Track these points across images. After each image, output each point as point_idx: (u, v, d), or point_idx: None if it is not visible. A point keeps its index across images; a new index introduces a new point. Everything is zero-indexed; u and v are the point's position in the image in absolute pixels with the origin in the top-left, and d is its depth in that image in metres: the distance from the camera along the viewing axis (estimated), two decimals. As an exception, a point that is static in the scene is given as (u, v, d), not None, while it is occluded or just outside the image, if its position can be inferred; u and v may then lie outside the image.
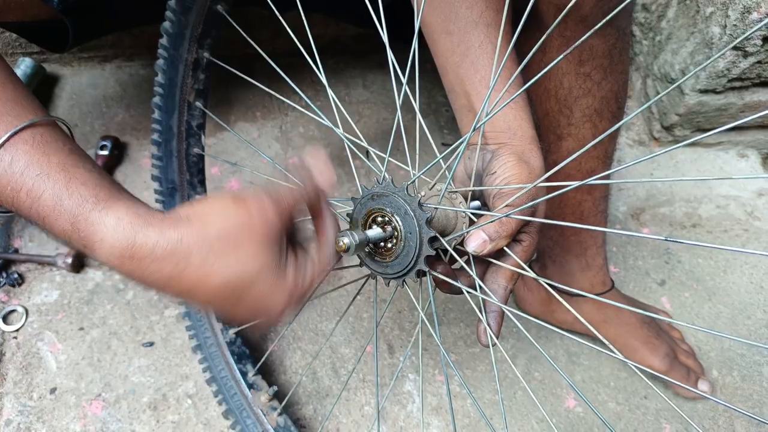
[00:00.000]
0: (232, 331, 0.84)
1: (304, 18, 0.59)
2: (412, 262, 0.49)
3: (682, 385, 0.45)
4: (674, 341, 0.95)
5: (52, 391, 0.85)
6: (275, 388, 0.81)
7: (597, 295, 0.92)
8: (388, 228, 0.49)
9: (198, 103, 0.73)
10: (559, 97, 0.74)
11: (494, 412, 0.89)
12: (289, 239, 0.46)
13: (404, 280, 0.51)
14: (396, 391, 0.89)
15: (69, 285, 0.94)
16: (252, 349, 0.85)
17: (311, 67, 0.57)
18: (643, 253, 1.08)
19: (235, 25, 0.70)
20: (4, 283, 0.93)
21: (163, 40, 0.69)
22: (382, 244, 0.51)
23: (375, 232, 0.49)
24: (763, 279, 1.06)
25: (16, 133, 0.43)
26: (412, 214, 0.48)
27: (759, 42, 0.95)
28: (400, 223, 0.49)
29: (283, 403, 0.80)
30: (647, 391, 0.92)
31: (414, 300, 0.57)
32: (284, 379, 0.89)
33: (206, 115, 0.75)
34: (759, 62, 0.99)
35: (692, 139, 0.32)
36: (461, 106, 0.59)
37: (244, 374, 0.82)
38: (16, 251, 0.96)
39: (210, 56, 0.72)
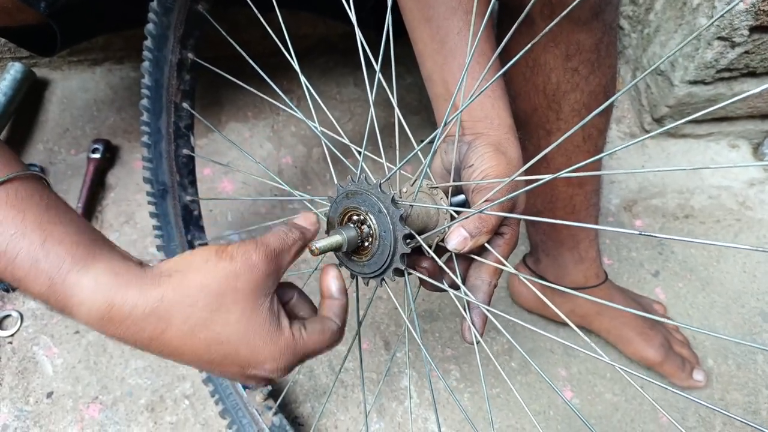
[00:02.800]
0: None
1: (279, 14, 0.58)
2: (388, 261, 0.48)
3: (673, 390, 0.45)
4: (669, 332, 0.96)
5: (49, 395, 0.84)
6: (270, 387, 0.81)
7: (591, 287, 0.92)
8: (365, 228, 0.48)
9: (185, 104, 0.73)
10: (548, 93, 0.74)
11: (492, 405, 0.89)
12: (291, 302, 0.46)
13: (383, 279, 0.50)
14: (393, 387, 0.89)
15: (63, 289, 0.93)
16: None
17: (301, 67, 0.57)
18: (636, 244, 1.09)
19: (215, 24, 0.70)
20: (-1, 289, 0.93)
21: (147, 42, 0.68)
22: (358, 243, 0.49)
23: (345, 234, 0.47)
24: (756, 268, 1.07)
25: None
26: (386, 211, 0.46)
27: (746, 32, 0.95)
28: (374, 221, 0.47)
29: (278, 402, 0.80)
30: (643, 381, 0.93)
31: (397, 305, 0.55)
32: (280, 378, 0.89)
33: (194, 116, 0.75)
34: (746, 52, 0.99)
35: (679, 122, 0.32)
36: (437, 94, 0.58)
37: None
38: (10, 256, 0.96)
39: (194, 57, 0.72)
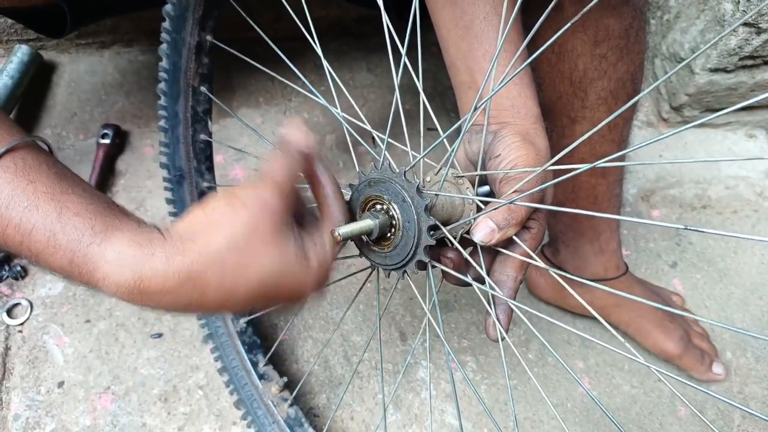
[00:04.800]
0: (242, 321, 0.83)
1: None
2: (411, 253, 0.46)
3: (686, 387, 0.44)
4: (688, 324, 0.95)
5: (60, 384, 0.83)
6: (285, 379, 0.80)
7: (611, 279, 0.90)
8: (383, 216, 0.46)
9: (203, 88, 0.71)
10: (574, 80, 0.72)
11: (508, 398, 0.88)
12: (297, 217, 0.44)
13: (405, 271, 0.48)
14: (409, 378, 0.88)
15: (73, 277, 0.92)
16: (263, 338, 0.84)
17: (313, 51, 0.55)
18: (654, 235, 1.07)
19: (235, 5, 0.68)
20: (7, 276, 0.91)
21: (166, 24, 0.66)
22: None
23: (376, 219, 0.46)
24: (775, 259, 1.05)
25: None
26: (410, 201, 0.44)
27: (772, 18, 0.93)
28: (397, 211, 0.46)
29: (294, 394, 0.79)
30: (662, 375, 0.92)
31: (418, 296, 0.54)
32: (296, 369, 0.87)
33: (212, 100, 0.73)
34: (772, 39, 0.97)
35: (701, 120, 0.30)
36: (461, 82, 0.56)
37: (254, 364, 0.81)
38: (18, 243, 0.94)
39: (213, 39, 0.70)
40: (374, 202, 0.47)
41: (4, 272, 0.91)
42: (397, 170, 0.46)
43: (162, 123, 0.70)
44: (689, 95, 1.11)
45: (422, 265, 0.48)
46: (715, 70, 1.05)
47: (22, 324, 0.87)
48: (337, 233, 0.43)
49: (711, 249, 1.07)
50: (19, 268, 0.91)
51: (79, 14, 0.79)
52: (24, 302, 0.89)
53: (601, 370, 0.92)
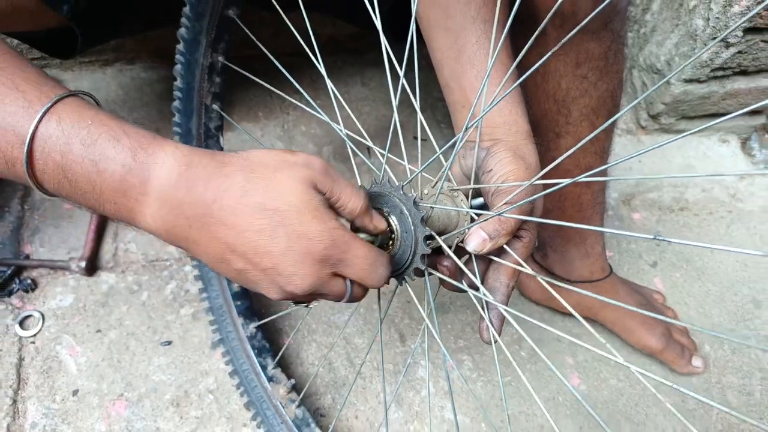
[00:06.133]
0: (252, 326, 0.86)
1: (305, 16, 0.60)
2: (409, 261, 0.50)
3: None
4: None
5: (75, 393, 0.86)
6: (293, 381, 0.84)
7: (597, 281, 0.96)
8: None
9: (215, 106, 0.75)
10: (558, 98, 0.78)
11: (504, 392, 0.93)
12: None
13: (404, 278, 0.51)
14: (410, 377, 0.92)
15: (83, 288, 0.95)
16: (271, 342, 0.88)
17: (311, 65, 0.59)
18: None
19: (245, 28, 0.72)
20: (18, 289, 0.94)
21: (180, 46, 0.71)
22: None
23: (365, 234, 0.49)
24: (747, 258, 1.12)
25: (62, 98, 0.42)
26: (408, 213, 0.48)
27: (740, 33, 1.00)
28: (395, 222, 0.49)
29: (301, 395, 0.83)
30: (646, 368, 0.98)
31: (417, 302, 0.57)
32: (301, 371, 0.91)
33: (223, 117, 0.77)
34: (740, 52, 1.04)
35: (687, 133, 0.35)
36: (455, 101, 0.60)
37: (264, 367, 0.85)
38: (27, 257, 0.97)
39: (225, 60, 0.74)
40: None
41: (14, 285, 0.94)
42: (396, 184, 0.50)
43: (176, 139, 0.74)
44: (666, 104, 1.17)
45: (419, 273, 0.52)
46: (690, 81, 1.12)
47: (34, 335, 0.90)
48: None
49: (689, 249, 1.13)
50: (29, 281, 0.94)
51: (90, 36, 0.82)
52: (36, 314, 0.92)
53: (590, 365, 0.98)
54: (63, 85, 0.45)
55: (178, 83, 0.70)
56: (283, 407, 0.83)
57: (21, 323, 0.91)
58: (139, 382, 0.87)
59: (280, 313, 0.91)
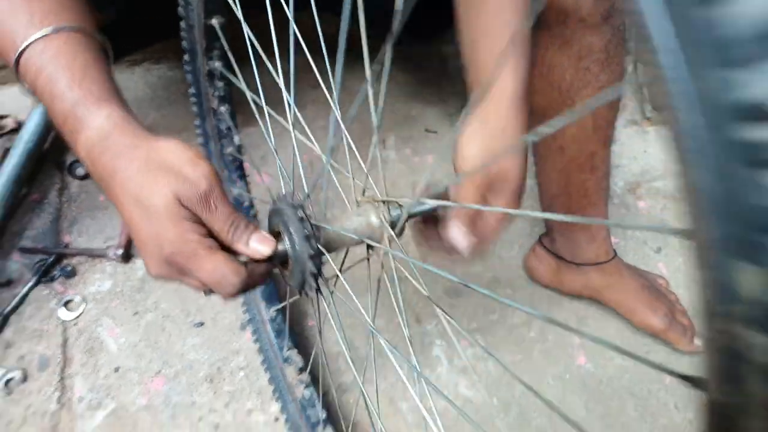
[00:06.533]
0: (272, 310, 0.93)
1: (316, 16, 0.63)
2: (302, 277, 0.50)
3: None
4: (672, 303, 1.06)
5: (116, 370, 0.93)
6: (303, 363, 0.89)
7: (602, 263, 1.01)
8: (280, 246, 0.49)
9: (222, 109, 0.80)
10: (562, 89, 0.83)
11: (514, 369, 0.98)
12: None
13: (306, 293, 0.52)
14: (426, 356, 0.99)
15: (120, 275, 1.02)
16: (293, 323, 0.94)
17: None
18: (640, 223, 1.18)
19: (221, 37, 0.74)
20: (59, 275, 1.01)
21: (185, 56, 0.76)
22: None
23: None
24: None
25: (59, 30, 0.51)
26: (295, 232, 0.48)
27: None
28: (287, 241, 0.49)
29: (308, 376, 0.88)
30: (648, 347, 1.03)
31: (431, 300, 0.62)
32: (325, 349, 0.98)
33: (234, 117, 0.82)
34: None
35: None
36: (473, 81, 0.63)
37: (281, 348, 0.91)
38: (67, 246, 1.04)
39: (221, 66, 0.78)
40: (278, 231, 0.51)
41: (56, 272, 1.01)
42: (294, 201, 0.49)
43: (199, 140, 0.80)
44: (669, 96, 1.22)
45: (316, 290, 0.51)
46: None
47: (77, 318, 0.97)
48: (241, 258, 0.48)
49: (691, 235, 1.18)
50: (69, 268, 1.01)
51: (122, 47, 0.87)
52: (77, 298, 0.99)
53: (596, 345, 1.03)
54: (78, 15, 0.53)
55: (191, 90, 0.76)
56: (294, 387, 0.89)
57: (64, 306, 0.98)
58: (175, 360, 0.94)
59: (293, 299, 0.98)
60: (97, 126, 0.49)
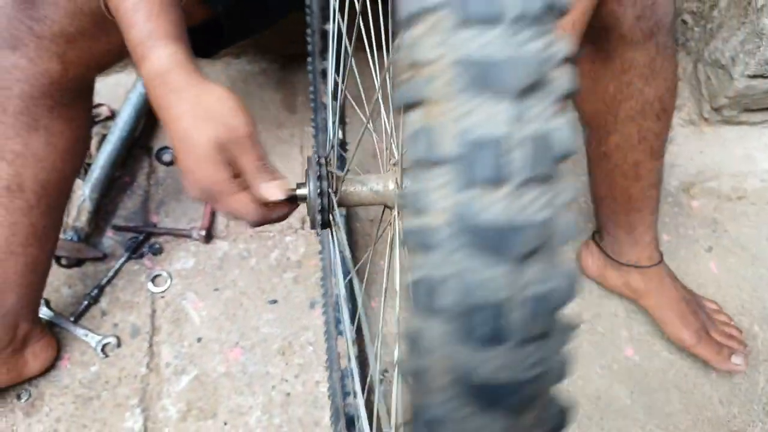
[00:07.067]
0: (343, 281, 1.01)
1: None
2: (313, 216, 0.62)
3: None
4: (710, 319, 1.03)
5: (199, 340, 1.03)
6: (354, 337, 0.96)
7: (644, 267, 1.03)
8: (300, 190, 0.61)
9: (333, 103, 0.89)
10: (606, 100, 0.87)
11: (563, 360, 1.04)
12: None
13: (317, 229, 0.64)
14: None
15: (202, 254, 1.12)
16: (355, 302, 1.02)
17: None
18: (693, 223, 1.21)
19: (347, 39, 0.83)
20: (148, 252, 1.12)
21: (309, 58, 0.84)
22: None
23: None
24: (803, 246, 1.18)
25: None
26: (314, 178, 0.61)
27: (806, 33, 1.05)
28: (308, 185, 0.61)
29: (354, 350, 0.96)
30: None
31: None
32: (385, 330, 1.06)
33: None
34: (805, 50, 1.09)
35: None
36: None
37: (338, 322, 0.98)
38: (155, 226, 1.14)
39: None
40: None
41: (145, 249, 1.12)
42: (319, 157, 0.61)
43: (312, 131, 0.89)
44: (728, 98, 1.23)
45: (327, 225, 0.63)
46: (754, 77, 1.17)
47: (164, 292, 1.08)
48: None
49: (745, 236, 1.20)
50: (157, 246, 1.12)
51: (231, 33, 0.94)
52: (164, 273, 1.09)
53: (644, 338, 1.08)
54: None
55: (310, 87, 0.85)
56: (341, 358, 0.97)
57: (152, 281, 1.08)
58: (251, 333, 1.04)
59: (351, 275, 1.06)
60: (161, 59, 0.58)
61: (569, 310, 0.26)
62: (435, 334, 0.26)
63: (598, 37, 0.79)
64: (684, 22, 1.33)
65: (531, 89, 0.24)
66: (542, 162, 0.24)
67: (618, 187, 0.96)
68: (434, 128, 0.25)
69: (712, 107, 1.29)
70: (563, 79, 0.25)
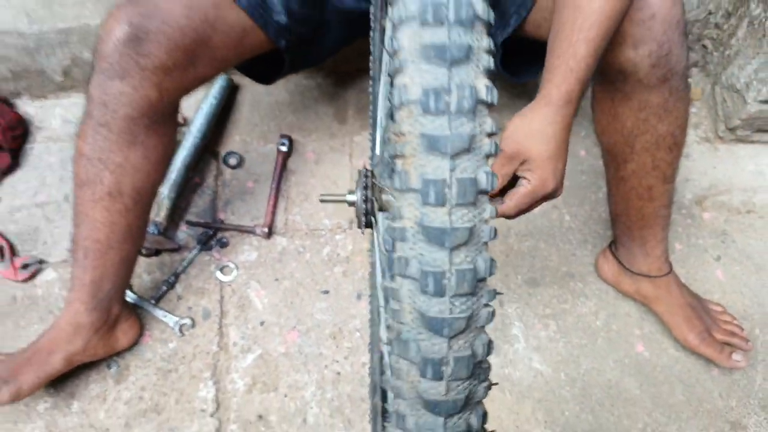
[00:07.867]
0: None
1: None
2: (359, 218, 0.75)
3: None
4: (714, 321, 1.15)
5: (261, 323, 1.19)
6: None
7: (653, 277, 1.15)
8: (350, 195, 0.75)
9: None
10: (624, 134, 0.99)
11: (580, 354, 1.18)
12: None
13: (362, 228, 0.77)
14: (506, 333, 1.19)
15: (264, 248, 1.27)
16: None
17: None
18: (703, 233, 1.33)
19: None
20: (216, 245, 1.28)
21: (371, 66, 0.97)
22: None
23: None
24: (805, 258, 1.29)
25: None
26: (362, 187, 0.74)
27: (813, 66, 1.16)
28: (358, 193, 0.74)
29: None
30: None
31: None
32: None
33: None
34: (813, 81, 1.19)
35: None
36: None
37: (379, 308, 1.13)
38: (222, 222, 1.30)
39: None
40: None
41: (214, 242, 1.28)
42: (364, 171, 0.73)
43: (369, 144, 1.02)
44: (742, 119, 1.34)
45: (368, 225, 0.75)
46: (765, 102, 1.28)
47: (231, 280, 1.24)
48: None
49: (751, 247, 1.32)
50: (224, 240, 1.28)
51: (293, 64, 1.07)
52: (231, 264, 1.25)
53: (653, 337, 1.21)
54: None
55: (371, 107, 0.98)
56: (379, 344, 1.11)
57: (221, 270, 1.24)
58: (306, 319, 1.19)
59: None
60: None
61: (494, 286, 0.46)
62: (405, 289, 0.45)
63: (619, 80, 0.91)
64: (704, 47, 1.44)
65: (462, 153, 0.42)
66: (468, 194, 0.43)
67: (633, 206, 1.09)
68: (407, 171, 0.43)
69: (727, 127, 1.40)
70: (486, 146, 0.43)
